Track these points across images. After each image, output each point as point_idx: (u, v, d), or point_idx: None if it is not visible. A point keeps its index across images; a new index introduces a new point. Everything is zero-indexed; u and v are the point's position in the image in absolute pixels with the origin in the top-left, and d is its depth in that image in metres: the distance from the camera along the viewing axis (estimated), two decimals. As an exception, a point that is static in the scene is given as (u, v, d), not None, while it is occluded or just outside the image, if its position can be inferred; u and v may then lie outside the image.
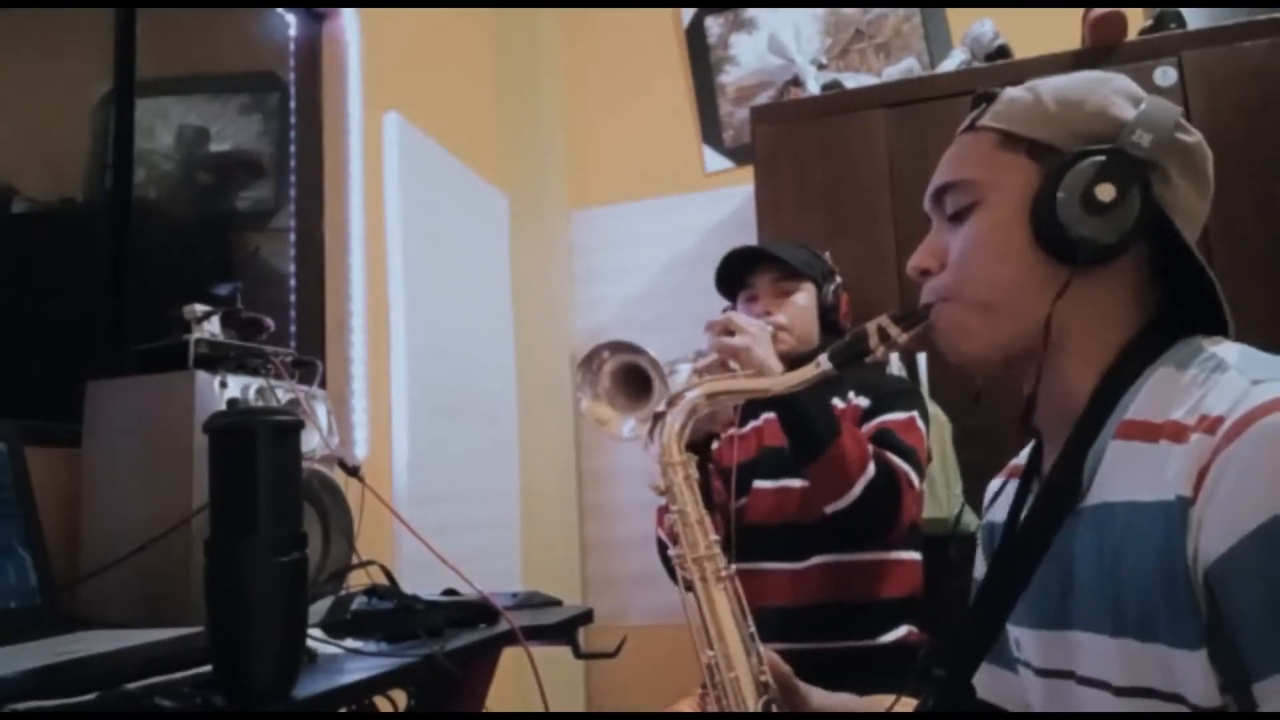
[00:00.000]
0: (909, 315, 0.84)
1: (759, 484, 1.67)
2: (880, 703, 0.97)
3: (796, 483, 1.61)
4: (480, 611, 1.23)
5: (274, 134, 2.16)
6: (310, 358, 1.45)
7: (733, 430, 1.68)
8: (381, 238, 2.27)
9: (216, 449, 0.82)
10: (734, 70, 3.07)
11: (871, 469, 1.45)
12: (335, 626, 1.09)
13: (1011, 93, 0.81)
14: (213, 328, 1.32)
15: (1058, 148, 0.76)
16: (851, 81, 2.65)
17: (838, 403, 1.65)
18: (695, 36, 3.11)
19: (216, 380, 1.23)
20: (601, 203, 3.13)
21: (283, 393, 1.32)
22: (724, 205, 2.97)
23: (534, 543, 2.80)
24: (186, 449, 1.19)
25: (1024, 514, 0.81)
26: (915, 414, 1.61)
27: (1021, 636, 0.82)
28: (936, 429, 1.92)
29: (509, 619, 1.20)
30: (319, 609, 1.11)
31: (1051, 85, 0.80)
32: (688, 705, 1.63)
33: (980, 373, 0.82)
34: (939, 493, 1.93)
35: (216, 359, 1.28)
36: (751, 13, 3.05)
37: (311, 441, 1.33)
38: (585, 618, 1.48)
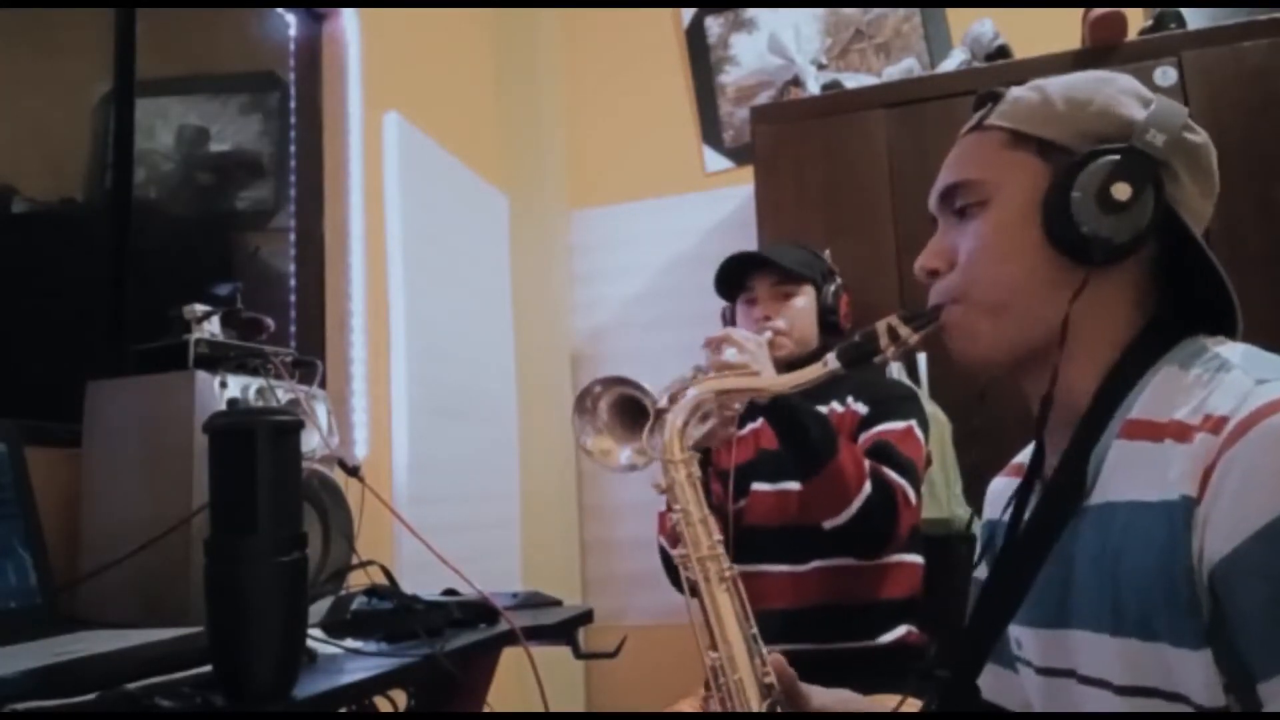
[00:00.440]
0: (919, 315, 0.83)
1: (758, 486, 1.67)
2: (885, 703, 0.97)
3: (795, 486, 1.60)
4: (480, 611, 1.23)
5: (274, 134, 2.16)
6: (310, 358, 1.45)
7: (731, 429, 1.68)
8: (381, 238, 2.27)
9: (216, 449, 0.82)
10: (734, 70, 3.07)
11: (868, 487, 1.45)
12: (335, 626, 1.09)
13: (1017, 92, 0.81)
14: (213, 328, 1.32)
15: (1068, 147, 0.76)
16: (851, 81, 2.66)
17: (836, 407, 1.65)
18: (695, 36, 3.11)
19: (216, 380, 1.23)
20: (601, 203, 3.12)
21: (283, 393, 1.32)
22: (724, 205, 2.96)
23: (534, 543, 2.80)
24: (186, 449, 1.19)
25: (1027, 515, 0.81)
26: (913, 422, 1.61)
27: (1022, 635, 0.82)
28: (936, 430, 1.92)
29: (509, 619, 1.20)
30: (319, 609, 1.11)
31: (1058, 84, 0.80)
32: (688, 705, 1.63)
33: (988, 374, 0.81)
34: (939, 493, 1.93)
35: (216, 359, 1.28)
36: (751, 13, 3.05)
37: (311, 441, 1.33)
38: (585, 618, 1.48)
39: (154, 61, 1.77)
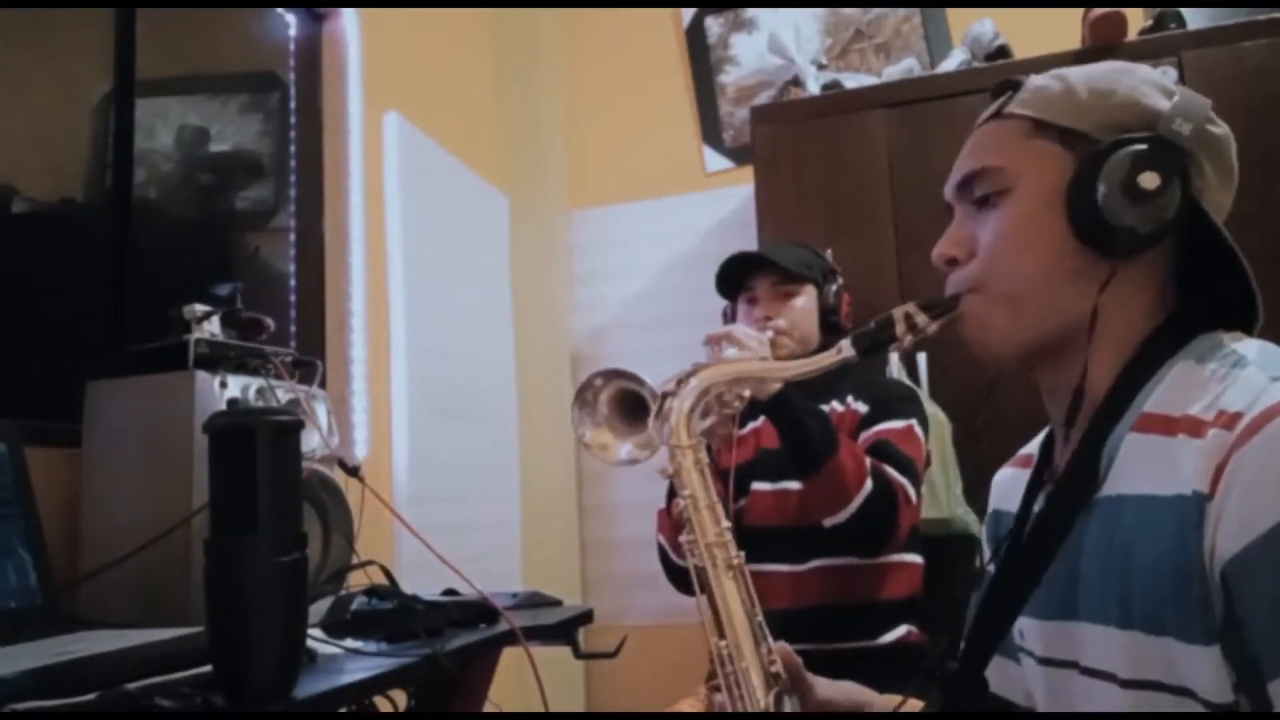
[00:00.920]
0: (937, 304, 0.82)
1: (757, 486, 1.67)
2: (892, 702, 0.97)
3: (795, 485, 1.60)
4: (480, 611, 1.23)
5: (274, 134, 2.16)
6: (310, 358, 1.45)
7: (731, 427, 1.68)
8: (381, 238, 2.27)
9: (216, 449, 0.82)
10: (734, 70, 3.07)
11: (869, 485, 1.45)
12: (335, 626, 1.09)
13: (1039, 81, 0.80)
14: (213, 328, 1.32)
15: (1091, 136, 0.75)
16: (851, 81, 2.65)
17: (836, 406, 1.65)
18: (695, 36, 3.11)
19: (216, 380, 1.23)
20: (601, 203, 3.12)
21: (283, 393, 1.32)
22: (724, 205, 2.97)
23: (534, 543, 2.80)
24: (186, 449, 1.19)
25: (1037, 506, 0.80)
26: (914, 421, 1.61)
27: (1025, 626, 0.82)
28: (936, 430, 1.92)
29: (509, 619, 1.20)
30: (319, 609, 1.11)
31: (1080, 74, 0.79)
32: (688, 705, 1.63)
33: (1002, 366, 0.81)
34: (939, 494, 1.93)
35: (216, 359, 1.28)
36: (751, 13, 3.05)
37: (311, 441, 1.33)
38: (585, 618, 1.48)
39: (154, 61, 1.77)
